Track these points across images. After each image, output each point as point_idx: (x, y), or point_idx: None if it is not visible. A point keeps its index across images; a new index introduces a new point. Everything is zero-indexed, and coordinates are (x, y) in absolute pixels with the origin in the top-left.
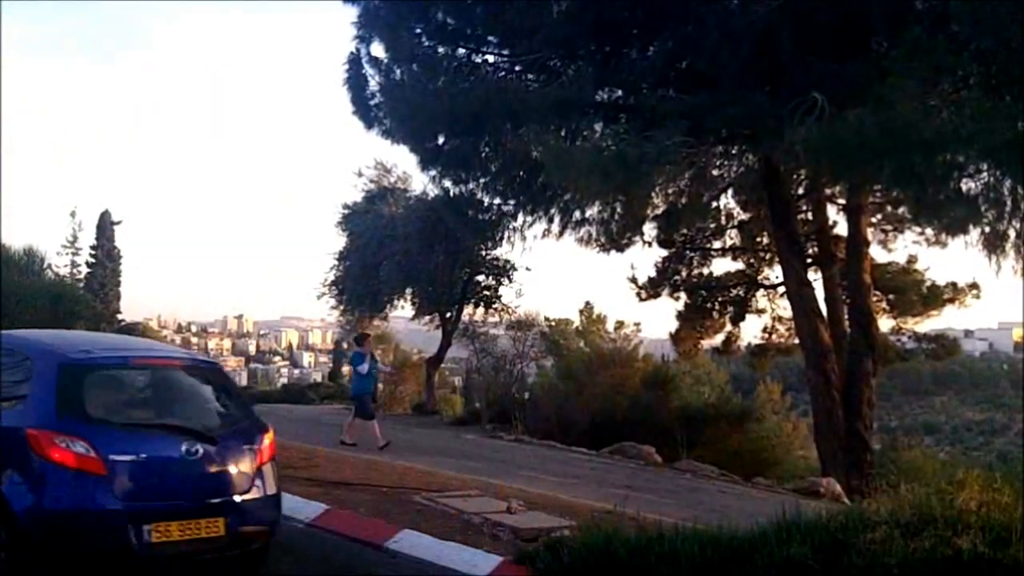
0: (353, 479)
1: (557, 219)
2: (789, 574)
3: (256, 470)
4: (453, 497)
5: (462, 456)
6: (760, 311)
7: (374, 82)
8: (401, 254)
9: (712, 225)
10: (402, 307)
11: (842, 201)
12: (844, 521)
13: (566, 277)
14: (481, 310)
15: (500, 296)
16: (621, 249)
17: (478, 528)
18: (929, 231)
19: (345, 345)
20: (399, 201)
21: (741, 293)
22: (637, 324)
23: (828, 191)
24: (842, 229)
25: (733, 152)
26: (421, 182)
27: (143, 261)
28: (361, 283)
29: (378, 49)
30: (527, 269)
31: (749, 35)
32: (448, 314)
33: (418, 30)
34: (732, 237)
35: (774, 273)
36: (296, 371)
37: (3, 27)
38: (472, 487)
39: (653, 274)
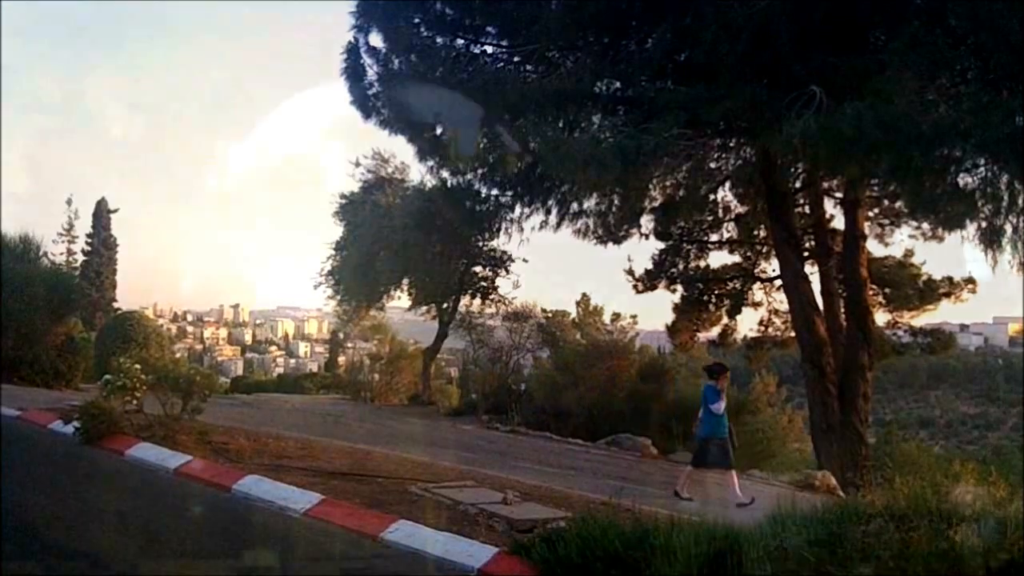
0: (349, 470)
1: (554, 211)
2: (783, 566)
3: None
4: (449, 488)
5: (458, 447)
6: (757, 304)
7: (372, 72)
8: (398, 244)
9: (709, 218)
10: (399, 297)
11: (839, 195)
12: (839, 513)
13: (563, 269)
14: (478, 301)
15: (497, 287)
16: (618, 241)
17: (474, 519)
18: (926, 225)
19: (342, 335)
20: (397, 191)
21: (738, 286)
22: (634, 316)
23: (825, 185)
24: (839, 223)
25: (731, 145)
26: (419, 172)
27: (139, 249)
28: (358, 273)
29: (376, 39)
30: (524, 260)
31: (747, 27)
32: (445, 305)
33: (416, 20)
34: (729, 230)
35: (771, 266)
36: (292, 361)
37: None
38: (468, 478)
39: (650, 266)
